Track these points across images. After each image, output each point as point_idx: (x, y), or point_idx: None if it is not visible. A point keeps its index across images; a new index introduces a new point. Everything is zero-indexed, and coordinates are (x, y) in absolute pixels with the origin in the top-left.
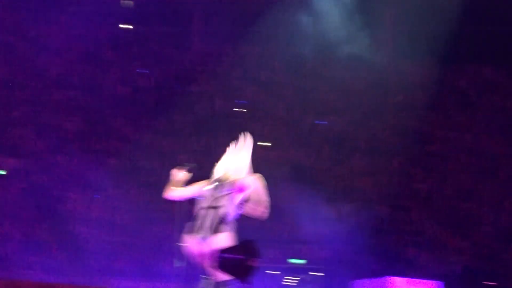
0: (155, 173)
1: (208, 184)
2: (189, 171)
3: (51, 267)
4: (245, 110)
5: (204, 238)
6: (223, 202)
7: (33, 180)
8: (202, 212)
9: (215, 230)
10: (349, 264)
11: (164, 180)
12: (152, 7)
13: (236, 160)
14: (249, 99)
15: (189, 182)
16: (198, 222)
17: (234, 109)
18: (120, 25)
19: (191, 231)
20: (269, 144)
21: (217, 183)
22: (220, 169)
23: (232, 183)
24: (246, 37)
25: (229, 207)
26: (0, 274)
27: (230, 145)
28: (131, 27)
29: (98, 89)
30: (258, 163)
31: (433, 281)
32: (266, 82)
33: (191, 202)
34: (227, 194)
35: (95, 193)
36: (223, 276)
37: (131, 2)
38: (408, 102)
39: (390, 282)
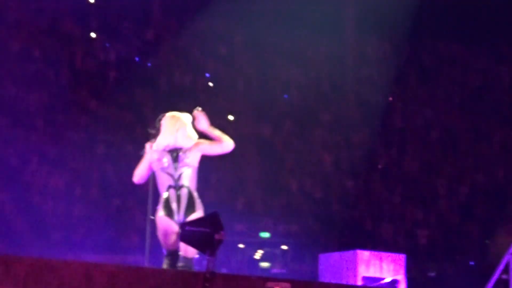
0: (116, 147)
1: (159, 153)
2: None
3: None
4: (211, 84)
5: (183, 219)
6: (188, 179)
7: None
8: (172, 192)
9: (192, 210)
10: (315, 238)
11: (123, 154)
12: None
13: (181, 128)
14: (209, 73)
15: None
16: (173, 204)
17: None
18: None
19: (168, 213)
20: (232, 117)
21: (173, 153)
22: (169, 138)
23: (192, 150)
24: (205, 11)
25: (194, 182)
26: None
27: (165, 116)
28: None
29: (59, 62)
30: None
31: (396, 254)
32: (226, 56)
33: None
34: (187, 167)
35: (56, 166)
36: (189, 250)
37: None
38: (369, 77)
39: (359, 256)
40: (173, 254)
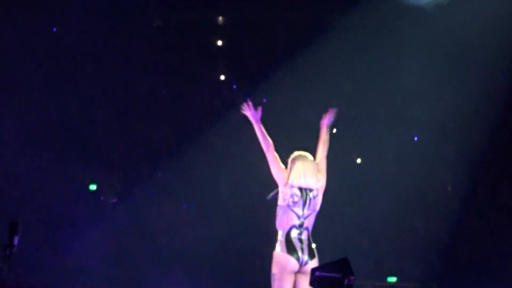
0: (242, 184)
1: (290, 188)
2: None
3: (141, 281)
4: (334, 131)
5: (305, 262)
6: (311, 222)
7: (122, 192)
8: (295, 232)
9: (312, 255)
10: (443, 279)
11: (248, 193)
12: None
13: (313, 169)
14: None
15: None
16: (297, 243)
17: None
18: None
19: (290, 252)
20: (359, 161)
21: (304, 194)
22: (307, 176)
23: (317, 199)
24: (326, 47)
25: (312, 227)
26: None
27: (294, 156)
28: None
29: (185, 101)
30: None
31: None
32: (349, 93)
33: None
34: (314, 213)
35: (182, 203)
36: None
37: None
38: (495, 114)
39: None
40: None
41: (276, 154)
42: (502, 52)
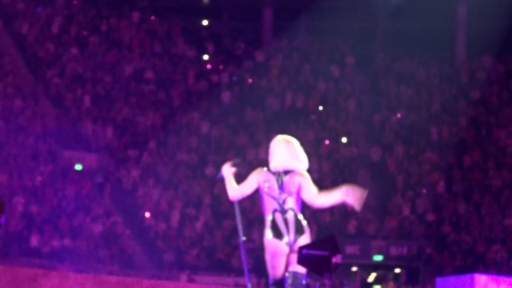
0: None
1: (266, 175)
2: (234, 166)
3: (127, 260)
4: (321, 108)
5: (293, 241)
6: (293, 203)
7: (107, 174)
8: (278, 215)
9: (300, 232)
10: (427, 261)
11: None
12: (224, 3)
13: (290, 151)
14: (320, 95)
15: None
16: (281, 227)
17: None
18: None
19: (277, 235)
20: (345, 140)
21: (278, 177)
22: (277, 160)
23: (294, 178)
24: (316, 32)
25: (299, 206)
26: (77, 267)
27: (274, 140)
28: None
29: (172, 84)
30: (328, 158)
31: None
32: (337, 77)
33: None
34: (292, 195)
35: (167, 187)
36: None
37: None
38: (482, 98)
39: (476, 280)
40: (279, 284)
41: (239, 192)
42: None
